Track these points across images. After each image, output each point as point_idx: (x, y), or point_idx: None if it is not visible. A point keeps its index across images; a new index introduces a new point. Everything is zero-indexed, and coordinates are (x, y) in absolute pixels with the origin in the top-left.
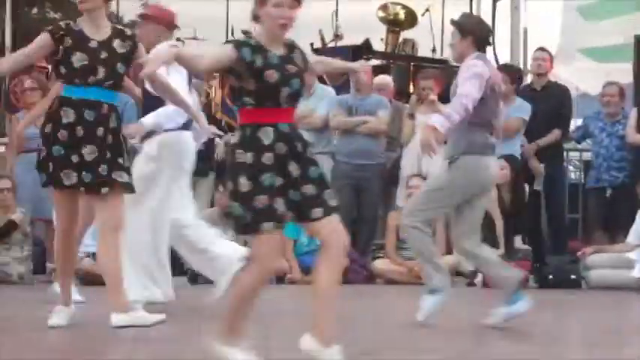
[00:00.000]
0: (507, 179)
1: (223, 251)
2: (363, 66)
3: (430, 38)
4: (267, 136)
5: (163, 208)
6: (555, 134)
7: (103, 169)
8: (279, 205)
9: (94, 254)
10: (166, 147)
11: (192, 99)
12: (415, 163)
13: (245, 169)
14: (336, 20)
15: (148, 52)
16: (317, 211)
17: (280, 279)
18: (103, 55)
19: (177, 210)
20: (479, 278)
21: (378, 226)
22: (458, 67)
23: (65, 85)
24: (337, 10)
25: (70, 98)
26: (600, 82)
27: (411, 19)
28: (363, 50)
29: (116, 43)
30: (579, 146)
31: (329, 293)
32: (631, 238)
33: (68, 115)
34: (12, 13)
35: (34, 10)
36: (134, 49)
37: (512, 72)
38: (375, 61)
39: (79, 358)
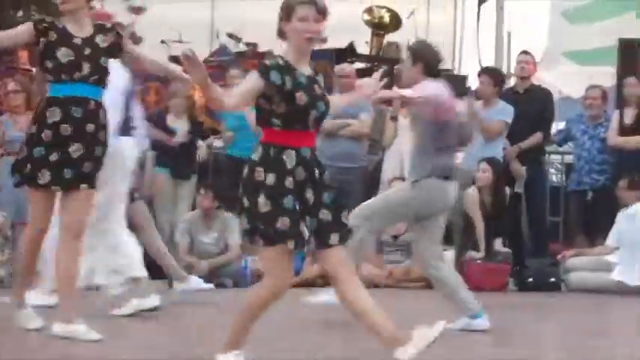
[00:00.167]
0: (489, 182)
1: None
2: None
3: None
4: (290, 159)
5: (104, 217)
6: (537, 137)
7: (86, 166)
8: (304, 228)
9: None
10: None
11: (136, 110)
12: (397, 166)
13: (265, 189)
14: None
15: None
16: (334, 238)
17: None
18: (87, 51)
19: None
20: None
21: None
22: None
23: (51, 83)
24: None
25: (57, 97)
26: (583, 86)
27: (396, 22)
28: (347, 53)
29: (98, 39)
30: (561, 149)
31: (369, 307)
32: (610, 240)
33: (54, 114)
34: None
35: (20, 13)
36: (118, 40)
37: (494, 75)
38: (359, 64)
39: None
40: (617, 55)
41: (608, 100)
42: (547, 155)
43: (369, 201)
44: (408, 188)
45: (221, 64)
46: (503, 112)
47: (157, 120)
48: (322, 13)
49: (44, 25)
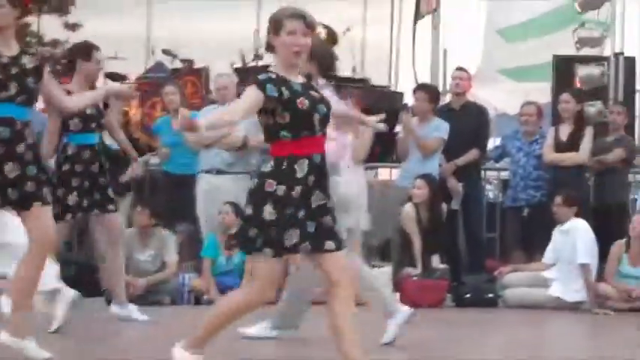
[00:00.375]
0: (425, 198)
1: None
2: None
3: (351, 57)
4: (301, 168)
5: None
6: (473, 154)
7: (30, 185)
8: (291, 236)
9: None
10: None
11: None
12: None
13: (273, 199)
14: (257, 39)
15: None
16: (330, 244)
17: (198, 300)
18: (14, 70)
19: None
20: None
21: None
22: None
23: None
24: (259, 29)
25: None
26: (519, 102)
27: (332, 39)
28: None
29: (25, 59)
30: (497, 165)
31: (347, 328)
32: (547, 257)
33: None
34: None
35: None
36: (42, 65)
37: (430, 91)
38: None
39: None
40: (551, 72)
41: (544, 116)
42: (483, 171)
43: None
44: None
45: (157, 81)
46: (439, 129)
47: None
48: (310, 27)
49: None
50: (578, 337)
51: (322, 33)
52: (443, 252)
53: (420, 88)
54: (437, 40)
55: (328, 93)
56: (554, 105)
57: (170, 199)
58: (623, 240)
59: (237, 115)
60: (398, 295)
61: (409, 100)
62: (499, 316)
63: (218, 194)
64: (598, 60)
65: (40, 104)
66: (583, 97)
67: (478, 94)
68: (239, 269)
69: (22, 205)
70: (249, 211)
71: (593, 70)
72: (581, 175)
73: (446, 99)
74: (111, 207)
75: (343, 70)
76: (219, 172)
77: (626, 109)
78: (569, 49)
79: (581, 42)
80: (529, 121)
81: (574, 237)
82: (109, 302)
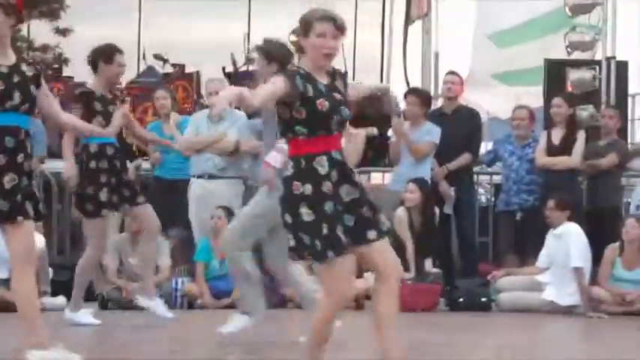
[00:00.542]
0: (417, 202)
1: None
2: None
3: (341, 62)
4: (322, 165)
5: None
6: (465, 158)
7: (18, 197)
8: (341, 232)
9: (3, 280)
10: None
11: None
12: None
13: (305, 199)
14: (248, 44)
15: None
16: (372, 233)
17: (191, 304)
18: (16, 79)
19: None
20: None
21: None
22: None
23: None
24: (249, 33)
25: None
26: (511, 106)
27: None
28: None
29: (24, 67)
30: (489, 169)
31: (390, 321)
32: (540, 261)
33: None
34: None
35: None
36: (39, 73)
37: (422, 95)
38: None
39: None
40: (543, 76)
41: (536, 120)
42: (475, 175)
43: (232, 225)
44: (263, 197)
45: (148, 86)
46: (431, 133)
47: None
48: (340, 29)
49: None
50: (572, 340)
51: None
52: (435, 256)
53: (412, 92)
54: (428, 44)
55: None
56: (546, 109)
57: (162, 204)
58: (617, 244)
59: (259, 97)
60: None
61: (401, 104)
62: (493, 319)
63: (211, 199)
64: (589, 64)
65: None
66: (575, 101)
67: (470, 98)
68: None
69: (7, 217)
70: (288, 219)
71: (585, 74)
72: (574, 178)
73: (438, 103)
74: (140, 199)
75: None
76: (211, 176)
77: (619, 113)
78: (560, 53)
79: (572, 46)
80: (521, 125)
81: (567, 241)
82: (103, 307)
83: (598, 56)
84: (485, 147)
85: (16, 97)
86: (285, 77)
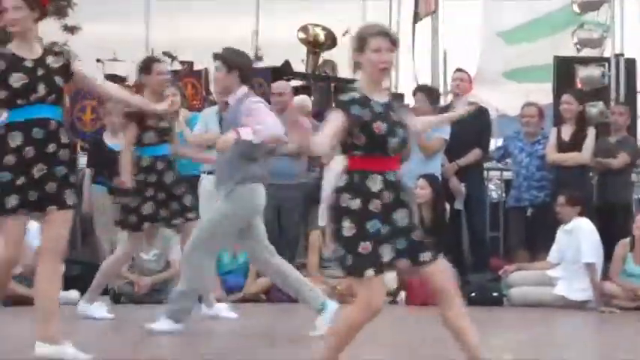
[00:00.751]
0: (428, 198)
1: None
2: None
3: (350, 59)
4: (374, 183)
5: None
6: (475, 154)
7: (51, 187)
8: (385, 252)
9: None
10: None
11: None
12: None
13: (350, 213)
14: (257, 41)
15: None
16: (426, 255)
17: (201, 298)
18: (40, 72)
19: None
20: (401, 296)
21: (301, 245)
22: None
23: (8, 109)
24: (257, 30)
25: (16, 122)
26: (520, 103)
27: (331, 41)
28: (283, 71)
29: (50, 60)
30: (500, 165)
31: (467, 327)
32: (551, 257)
33: (15, 139)
34: None
35: None
36: (69, 62)
37: (430, 92)
38: (295, 82)
39: None
40: (552, 73)
41: (545, 117)
42: (486, 171)
43: (195, 231)
44: (222, 201)
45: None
46: (441, 130)
47: (95, 138)
48: (394, 43)
49: None
50: (584, 335)
51: (321, 35)
52: (446, 251)
53: (420, 89)
54: (436, 42)
55: (253, 102)
56: (556, 106)
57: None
58: (627, 239)
59: (325, 145)
60: (404, 293)
61: (409, 101)
62: (504, 314)
63: None
64: (598, 61)
65: None
66: (584, 98)
67: (479, 94)
68: (243, 268)
69: (39, 206)
70: (332, 228)
71: (594, 71)
72: (584, 174)
73: (447, 100)
74: (190, 215)
75: (343, 71)
76: None
77: (628, 110)
78: (569, 51)
79: (581, 43)
80: (530, 122)
81: (578, 237)
82: (115, 301)
83: (607, 53)
84: (494, 144)
85: (41, 89)
86: (340, 111)
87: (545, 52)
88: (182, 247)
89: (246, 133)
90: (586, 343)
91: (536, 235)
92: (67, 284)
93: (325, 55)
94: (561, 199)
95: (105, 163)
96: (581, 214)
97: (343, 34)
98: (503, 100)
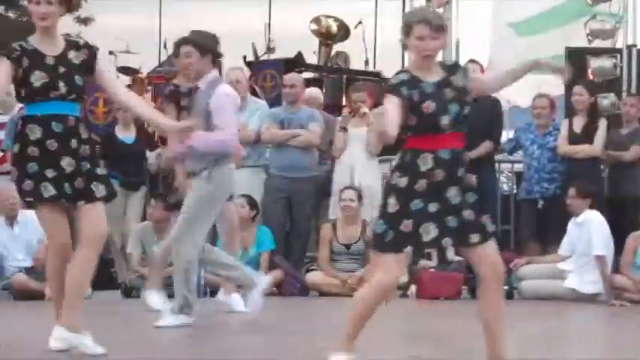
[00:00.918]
0: None
1: None
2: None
3: (363, 50)
4: (425, 162)
5: None
6: (487, 146)
7: (79, 181)
8: (429, 231)
9: (26, 269)
10: None
11: None
12: (348, 175)
13: (396, 191)
14: (269, 33)
15: None
16: (474, 237)
17: (214, 293)
18: (61, 69)
19: None
20: (412, 290)
21: (312, 239)
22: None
23: (27, 104)
24: (270, 22)
25: (34, 116)
26: (531, 95)
27: (344, 32)
28: (295, 63)
29: (71, 55)
30: (511, 157)
31: (497, 324)
32: (562, 250)
33: (34, 132)
34: None
35: None
36: (92, 57)
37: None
38: (307, 74)
39: None
40: (564, 64)
41: (557, 108)
42: (497, 164)
43: (180, 220)
44: (202, 186)
45: (169, 75)
46: None
47: (107, 131)
48: (438, 30)
49: (17, 52)
50: (594, 328)
51: (333, 27)
52: None
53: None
54: (449, 32)
55: (223, 95)
56: (567, 97)
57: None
58: (638, 232)
59: (392, 126)
60: (414, 287)
61: None
62: (515, 307)
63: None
64: (610, 52)
65: None
66: (596, 89)
67: None
68: (254, 262)
69: (71, 199)
70: (381, 204)
71: (606, 62)
72: (596, 167)
73: None
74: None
75: (355, 63)
76: None
77: None
78: (581, 42)
79: (593, 34)
80: (542, 113)
81: (589, 229)
82: (126, 295)
83: (619, 44)
84: (506, 135)
85: (62, 87)
86: (392, 93)
87: (556, 44)
88: (156, 223)
89: (196, 141)
90: (596, 336)
91: (547, 228)
92: None
93: (338, 47)
94: (572, 191)
95: (117, 156)
96: (591, 207)
97: (355, 26)
98: (514, 92)
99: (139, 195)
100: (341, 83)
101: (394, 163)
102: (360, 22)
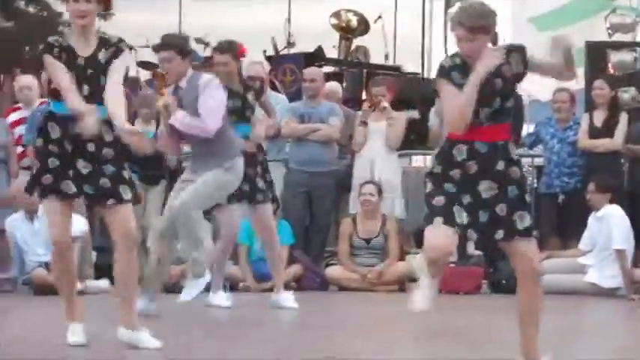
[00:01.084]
0: None
1: None
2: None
3: (383, 45)
4: (460, 153)
5: None
6: None
7: (104, 182)
8: (461, 215)
9: (46, 264)
10: None
11: None
12: (368, 170)
13: (432, 176)
14: (289, 27)
15: None
16: (499, 233)
17: (233, 287)
18: (89, 72)
19: None
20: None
21: (331, 233)
22: (411, 73)
23: (50, 99)
24: (290, 17)
25: (55, 114)
26: (551, 89)
27: (364, 26)
28: (315, 57)
29: (101, 55)
30: (531, 152)
31: (531, 321)
32: (583, 244)
33: (55, 131)
34: None
35: None
36: (114, 54)
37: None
38: (327, 68)
39: None
40: (584, 58)
41: (577, 102)
42: None
43: (191, 188)
44: (222, 173)
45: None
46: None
47: None
48: (474, 30)
49: (56, 50)
50: (615, 323)
51: (353, 21)
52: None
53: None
54: None
55: (209, 80)
56: (588, 91)
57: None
58: None
59: (464, 109)
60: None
61: None
62: None
63: None
64: (630, 46)
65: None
66: (616, 83)
67: None
68: None
69: (95, 200)
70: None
71: (626, 56)
72: (616, 161)
73: None
74: (259, 197)
75: (375, 57)
76: None
77: None
78: (601, 36)
79: (613, 28)
80: (562, 108)
81: (609, 223)
82: None
83: (639, 38)
84: (526, 129)
85: (85, 89)
86: (444, 78)
87: (576, 38)
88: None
89: (175, 120)
90: (615, 331)
91: (567, 222)
92: (99, 273)
93: (358, 41)
94: (591, 186)
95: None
96: (612, 201)
97: (375, 21)
98: (535, 85)
99: (158, 189)
100: (361, 77)
101: (437, 150)
102: (379, 17)
